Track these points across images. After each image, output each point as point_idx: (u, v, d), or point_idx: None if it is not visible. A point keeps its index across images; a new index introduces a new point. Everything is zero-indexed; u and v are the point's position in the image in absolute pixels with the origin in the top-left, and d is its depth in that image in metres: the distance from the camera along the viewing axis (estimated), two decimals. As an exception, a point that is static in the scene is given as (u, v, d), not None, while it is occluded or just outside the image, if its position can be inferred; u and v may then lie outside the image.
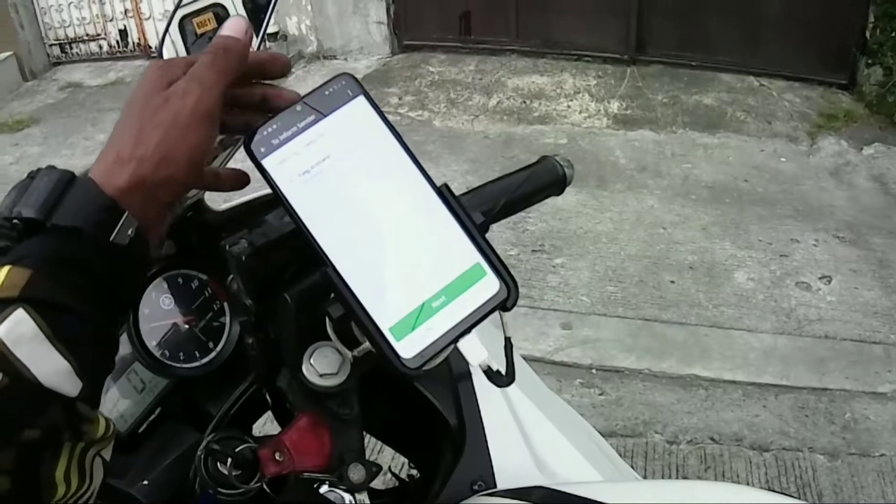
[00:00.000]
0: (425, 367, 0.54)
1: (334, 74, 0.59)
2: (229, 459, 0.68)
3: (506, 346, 0.63)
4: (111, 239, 0.49)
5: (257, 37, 1.16)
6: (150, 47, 6.77)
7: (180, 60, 0.56)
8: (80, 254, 0.48)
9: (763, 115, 4.98)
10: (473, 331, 0.56)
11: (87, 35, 7.07)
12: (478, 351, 0.56)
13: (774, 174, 4.32)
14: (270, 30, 6.12)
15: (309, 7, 6.36)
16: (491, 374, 0.58)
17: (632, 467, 1.11)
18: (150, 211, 0.52)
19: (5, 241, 0.48)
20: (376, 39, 6.40)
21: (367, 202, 0.56)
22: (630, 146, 4.67)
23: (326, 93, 0.57)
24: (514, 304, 0.57)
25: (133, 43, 6.98)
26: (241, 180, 0.64)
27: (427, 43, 6.33)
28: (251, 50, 0.59)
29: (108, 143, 0.53)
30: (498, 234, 3.70)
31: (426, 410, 0.85)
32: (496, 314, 0.58)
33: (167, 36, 1.08)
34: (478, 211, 0.71)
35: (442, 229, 0.57)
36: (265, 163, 0.55)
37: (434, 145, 4.76)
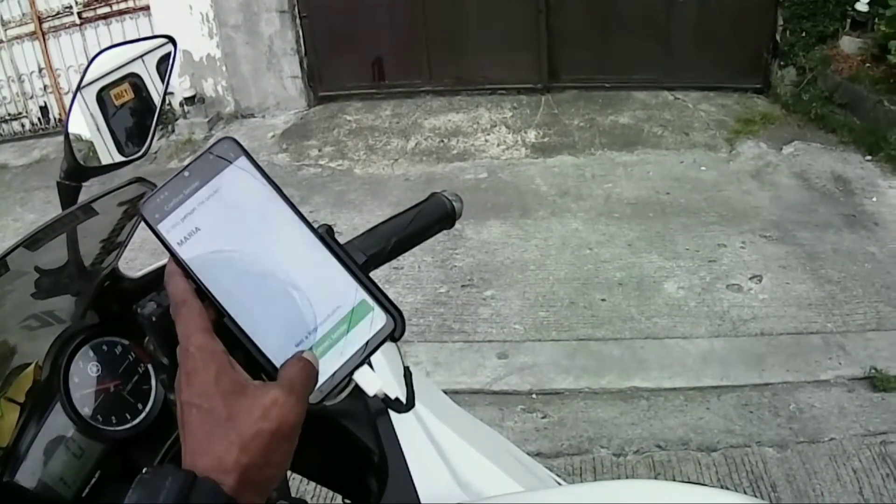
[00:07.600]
0: (327, 402, 0.62)
1: (218, 138, 0.67)
2: None
3: (405, 375, 0.73)
4: None
5: (161, 93, 1.24)
6: (71, 122, 6.96)
7: (210, 353, 0.61)
8: None
9: (680, 127, 5.27)
10: (371, 364, 0.64)
11: (9, 114, 7.26)
12: (373, 381, 0.65)
13: (696, 183, 4.57)
14: (187, 94, 6.30)
15: (224, 68, 6.55)
16: (389, 402, 0.66)
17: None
18: (258, 500, 0.60)
19: None
20: (292, 94, 6.61)
21: (255, 254, 0.64)
22: (550, 173, 4.88)
23: (210, 157, 0.65)
24: (401, 335, 0.65)
25: (55, 119, 7.15)
26: None
27: (342, 92, 6.57)
28: None
29: (195, 437, 0.59)
30: (427, 273, 3.83)
31: (352, 448, 0.95)
32: (395, 346, 0.67)
33: (74, 108, 1.17)
34: (368, 251, 0.82)
35: (326, 271, 0.65)
36: (159, 228, 0.63)
37: (356, 193, 4.86)
